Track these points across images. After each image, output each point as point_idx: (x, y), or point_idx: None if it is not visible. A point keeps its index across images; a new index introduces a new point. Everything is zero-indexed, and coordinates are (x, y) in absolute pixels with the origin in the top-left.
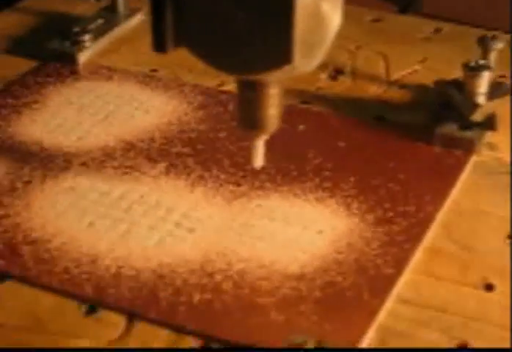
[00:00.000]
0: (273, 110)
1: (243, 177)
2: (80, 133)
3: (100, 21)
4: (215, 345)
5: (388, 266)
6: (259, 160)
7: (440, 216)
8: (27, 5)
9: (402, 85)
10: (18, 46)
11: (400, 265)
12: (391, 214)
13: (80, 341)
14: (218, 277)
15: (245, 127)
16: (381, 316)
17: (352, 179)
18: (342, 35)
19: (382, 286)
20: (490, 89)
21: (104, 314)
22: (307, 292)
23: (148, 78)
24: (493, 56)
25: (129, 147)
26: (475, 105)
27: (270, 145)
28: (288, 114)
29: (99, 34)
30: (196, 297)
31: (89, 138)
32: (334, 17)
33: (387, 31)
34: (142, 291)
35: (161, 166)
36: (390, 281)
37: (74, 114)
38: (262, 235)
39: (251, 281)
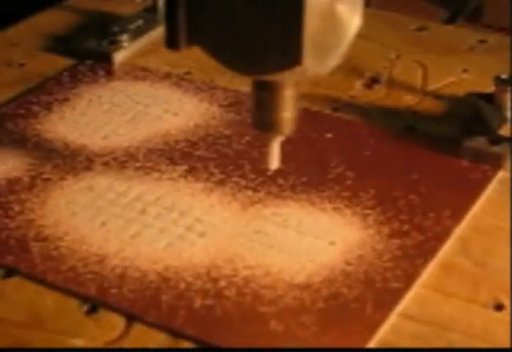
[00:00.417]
0: (287, 112)
1: (262, 183)
2: (105, 133)
3: (140, 21)
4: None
5: (397, 280)
6: (275, 162)
7: (458, 231)
8: (73, 3)
9: (437, 96)
10: (59, 44)
11: (409, 279)
12: (407, 227)
13: (76, 341)
14: (222, 283)
15: (259, 128)
16: (383, 331)
17: (372, 189)
18: (383, 43)
19: (388, 300)
20: None
21: (104, 315)
22: (310, 302)
23: (181, 80)
24: None
25: (152, 148)
26: (504, 119)
27: (293, 152)
28: (317, 121)
29: (137, 34)
30: (198, 302)
31: (114, 138)
32: (351, 19)
33: (430, 40)
34: (144, 293)
35: (182, 168)
36: (396, 296)
37: (102, 114)
38: (273, 243)
39: (255, 288)
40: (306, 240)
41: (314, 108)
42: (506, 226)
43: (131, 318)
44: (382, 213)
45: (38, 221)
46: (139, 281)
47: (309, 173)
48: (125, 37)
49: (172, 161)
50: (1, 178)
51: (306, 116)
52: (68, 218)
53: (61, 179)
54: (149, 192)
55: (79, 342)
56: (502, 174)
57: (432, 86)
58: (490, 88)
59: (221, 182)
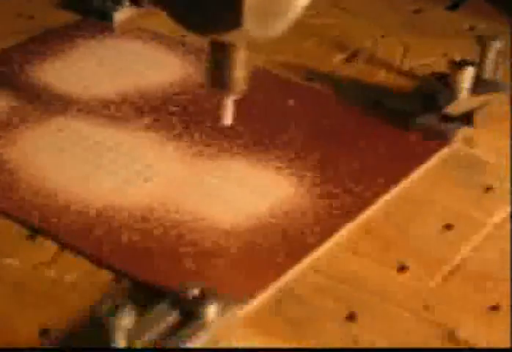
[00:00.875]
0: (239, 72)
1: (216, 139)
2: (88, 83)
3: None
4: (125, 280)
5: (313, 236)
6: (228, 118)
7: (386, 198)
8: None
9: (412, 76)
10: (71, 1)
11: (324, 236)
12: (338, 190)
13: (10, 260)
14: (152, 223)
15: (212, 87)
16: (286, 279)
17: (318, 154)
18: (375, 22)
19: (299, 253)
20: (477, 85)
21: (41, 241)
22: (227, 247)
23: (173, 42)
24: (491, 55)
25: (126, 100)
26: (455, 100)
27: (253, 114)
28: (284, 88)
29: None
30: (125, 238)
31: (94, 88)
32: None
33: (421, 23)
34: (80, 225)
35: (147, 119)
36: (308, 250)
37: (91, 66)
38: (210, 193)
39: (180, 231)
40: (241, 193)
41: (289, 76)
42: (434, 200)
43: (64, 246)
44: (320, 175)
45: (4, 156)
46: (77, 215)
47: (263, 134)
48: None
49: (141, 113)
50: None
51: (275, 82)
52: (32, 155)
53: (37, 120)
54: (110, 138)
55: (12, 262)
56: (445, 151)
57: (409, 66)
58: None
59: (179, 136)
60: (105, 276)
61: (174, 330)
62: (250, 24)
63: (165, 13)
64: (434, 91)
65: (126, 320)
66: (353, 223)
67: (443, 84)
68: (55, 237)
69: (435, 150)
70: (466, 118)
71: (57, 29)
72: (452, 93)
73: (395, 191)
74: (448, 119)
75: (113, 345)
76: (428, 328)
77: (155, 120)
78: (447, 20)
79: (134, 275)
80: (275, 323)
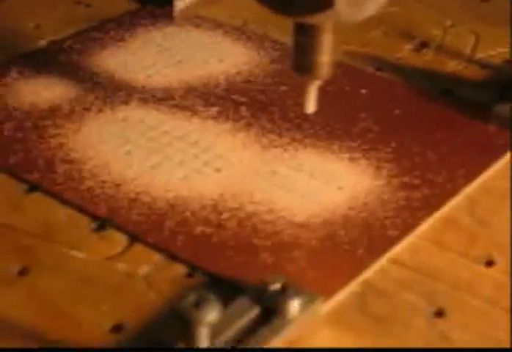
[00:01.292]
0: (325, 56)
1: (288, 129)
2: (150, 72)
3: None
4: (198, 274)
5: (394, 228)
6: (311, 105)
7: (467, 190)
8: None
9: (483, 65)
10: None
11: (406, 229)
12: (417, 181)
13: (78, 253)
14: (225, 215)
15: (297, 71)
16: (369, 273)
17: (393, 144)
18: (442, 10)
19: (381, 246)
20: None
21: (110, 233)
22: (305, 240)
23: (234, 30)
24: None
25: (191, 89)
26: None
27: (325, 104)
28: (355, 78)
29: None
30: (198, 229)
31: (157, 77)
32: None
33: (490, 11)
34: (150, 217)
35: (214, 109)
36: (390, 243)
37: (152, 55)
38: (282, 184)
39: (255, 223)
40: (316, 184)
41: (358, 65)
42: None
43: (134, 238)
44: (397, 166)
45: (68, 145)
46: (147, 206)
47: (336, 124)
48: None
49: (207, 102)
50: (44, 104)
51: (345, 72)
52: (97, 144)
53: (100, 110)
54: (178, 128)
55: (80, 255)
56: None
57: (480, 55)
58: None
59: (248, 125)
60: (178, 269)
61: (256, 327)
62: (342, 5)
63: None
64: (510, 79)
65: (212, 314)
66: (434, 215)
67: None
68: (124, 230)
69: None
70: None
71: (116, 18)
72: None
73: (476, 183)
74: None
75: (195, 341)
76: None
77: (223, 110)
78: None
79: (209, 269)
80: (360, 319)
